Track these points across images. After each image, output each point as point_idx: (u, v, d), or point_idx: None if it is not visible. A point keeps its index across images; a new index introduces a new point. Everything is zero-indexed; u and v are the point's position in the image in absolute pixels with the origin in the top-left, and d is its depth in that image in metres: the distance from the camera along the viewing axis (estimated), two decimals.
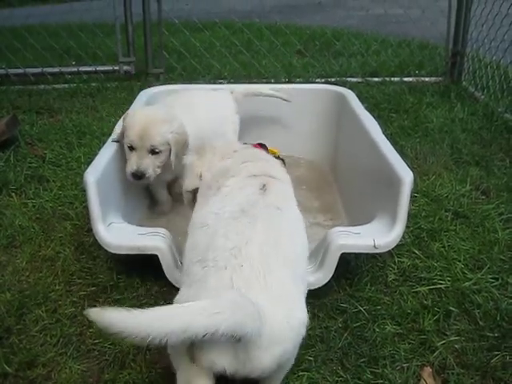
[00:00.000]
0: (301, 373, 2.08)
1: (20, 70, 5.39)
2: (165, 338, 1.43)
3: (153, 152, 2.80)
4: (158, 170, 2.85)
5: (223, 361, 1.62)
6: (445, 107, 4.70)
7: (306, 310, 1.80)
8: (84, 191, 3.16)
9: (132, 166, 2.77)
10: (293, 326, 1.71)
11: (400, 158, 2.60)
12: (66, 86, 5.27)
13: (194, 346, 1.62)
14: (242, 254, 1.72)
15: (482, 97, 4.85)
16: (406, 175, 2.41)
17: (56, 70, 5.43)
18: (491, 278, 2.59)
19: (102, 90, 5.18)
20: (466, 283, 2.54)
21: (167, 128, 2.82)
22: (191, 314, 1.49)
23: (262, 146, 3.46)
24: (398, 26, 6.45)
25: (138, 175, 2.78)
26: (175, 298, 1.77)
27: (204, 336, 1.45)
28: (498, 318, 2.35)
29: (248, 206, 1.90)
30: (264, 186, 2.02)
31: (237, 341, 1.56)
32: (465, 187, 3.37)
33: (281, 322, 1.67)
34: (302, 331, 1.75)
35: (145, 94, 3.54)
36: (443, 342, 2.24)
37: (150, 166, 2.80)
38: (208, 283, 1.69)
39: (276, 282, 1.71)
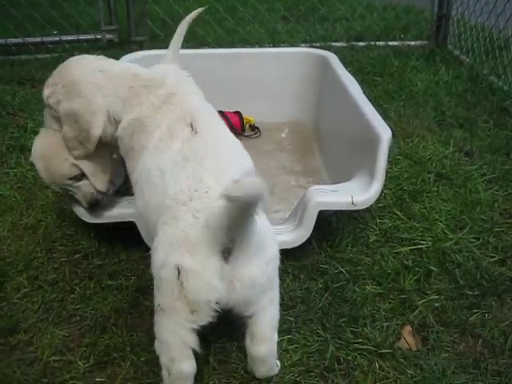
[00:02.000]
0: (281, 335, 2.08)
1: (1, 41, 5.29)
2: None
3: None
4: None
5: (217, 281, 1.63)
6: (429, 71, 4.67)
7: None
8: None
9: None
10: (269, 230, 1.80)
11: (379, 116, 2.59)
12: (49, 55, 5.18)
13: (184, 282, 1.63)
14: (200, 186, 1.73)
15: (467, 60, 4.83)
16: (384, 133, 2.40)
17: (38, 39, 5.33)
18: (472, 238, 2.61)
19: None
20: (447, 243, 2.56)
21: None
22: None
23: (237, 113, 3.46)
24: None
25: None
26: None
27: None
28: (478, 277, 2.36)
29: (188, 152, 1.88)
30: (191, 125, 1.97)
31: (224, 258, 1.62)
32: (448, 149, 3.37)
33: (262, 227, 1.72)
34: (276, 241, 1.82)
35: (127, 60, 3.48)
36: (423, 301, 2.26)
37: None
38: (179, 216, 1.71)
39: None
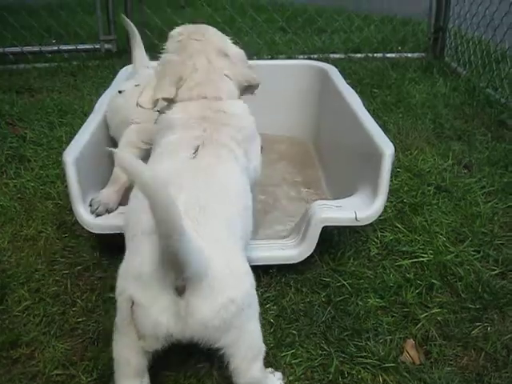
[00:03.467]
0: (284, 349, 2.10)
1: None
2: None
3: None
4: None
5: (165, 318, 1.61)
6: (427, 83, 4.70)
7: (247, 262, 1.80)
8: None
9: None
10: (235, 273, 1.70)
11: (381, 131, 2.59)
12: (47, 64, 5.20)
13: (134, 313, 1.63)
14: None
15: (464, 72, 4.86)
16: (387, 148, 2.41)
17: (36, 48, 5.34)
18: (473, 251, 2.62)
19: (83, 68, 5.12)
20: (448, 256, 2.56)
21: None
22: None
23: None
24: (380, 2, 6.40)
25: None
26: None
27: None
28: (480, 290, 2.37)
29: (176, 175, 1.85)
30: (197, 148, 1.96)
31: (179, 293, 1.58)
32: (447, 161, 3.39)
33: (221, 266, 1.66)
34: (248, 281, 1.74)
35: (126, 72, 3.48)
36: (426, 314, 2.27)
37: None
38: (140, 248, 1.68)
39: (209, 233, 1.69)
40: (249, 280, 1.75)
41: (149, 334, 1.65)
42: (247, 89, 2.37)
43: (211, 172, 1.92)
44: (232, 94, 2.27)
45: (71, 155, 2.39)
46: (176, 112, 2.17)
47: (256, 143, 2.30)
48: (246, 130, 2.20)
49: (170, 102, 2.23)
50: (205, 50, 2.31)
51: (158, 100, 2.21)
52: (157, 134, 2.18)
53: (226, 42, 2.44)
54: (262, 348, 1.83)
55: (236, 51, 2.41)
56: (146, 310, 1.63)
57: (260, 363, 1.81)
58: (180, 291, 1.60)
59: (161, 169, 1.91)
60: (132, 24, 3.26)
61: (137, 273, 1.65)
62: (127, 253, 1.76)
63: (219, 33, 2.50)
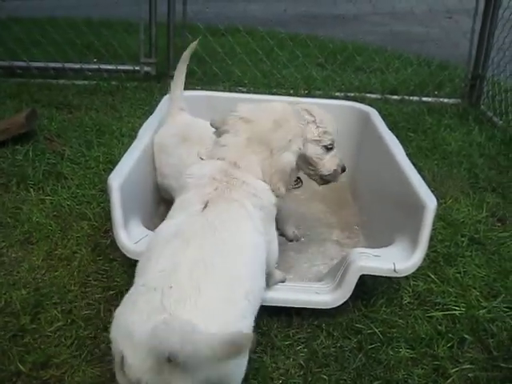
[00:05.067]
0: None
1: (41, 64, 5.39)
2: None
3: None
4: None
5: (148, 378, 1.59)
6: (463, 130, 4.70)
7: (248, 329, 1.76)
8: (102, 191, 3.23)
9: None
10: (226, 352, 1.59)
11: (424, 183, 2.59)
12: (86, 82, 5.28)
13: (123, 369, 1.62)
14: (170, 277, 1.69)
15: (500, 122, 4.85)
16: (431, 202, 2.41)
17: (77, 65, 5.43)
18: (505, 308, 2.59)
19: (121, 89, 5.19)
20: (481, 311, 2.54)
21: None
22: None
23: None
24: (419, 44, 6.44)
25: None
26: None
27: None
28: None
29: (183, 228, 1.86)
30: (207, 203, 1.97)
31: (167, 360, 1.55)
32: (481, 213, 3.37)
33: (207, 339, 1.58)
34: (236, 367, 1.70)
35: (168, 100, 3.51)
36: (456, 369, 2.24)
37: None
38: (138, 304, 1.67)
39: (208, 304, 1.67)
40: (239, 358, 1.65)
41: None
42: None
43: (219, 226, 1.90)
44: (254, 171, 2.18)
45: (117, 180, 2.42)
46: (191, 171, 2.19)
47: (274, 224, 2.27)
48: (261, 200, 2.13)
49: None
50: (256, 129, 2.24)
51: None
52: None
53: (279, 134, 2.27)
54: None
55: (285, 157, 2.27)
56: (134, 370, 1.61)
57: None
58: (169, 360, 1.56)
59: (171, 223, 1.94)
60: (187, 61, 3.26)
61: (129, 331, 1.63)
62: (126, 296, 1.76)
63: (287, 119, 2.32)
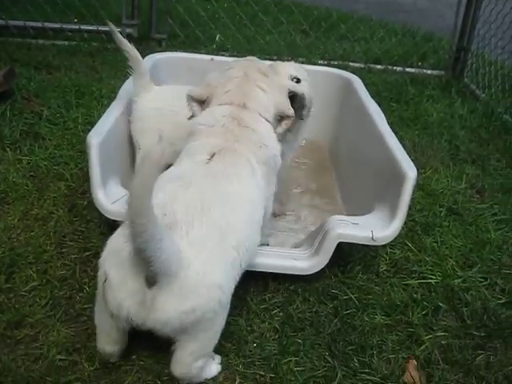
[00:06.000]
0: (288, 356, 2.10)
1: (20, 23, 5.24)
2: None
3: None
4: None
5: (128, 303, 1.67)
6: (445, 102, 4.69)
7: (228, 277, 1.82)
8: (80, 152, 3.19)
9: None
10: (206, 282, 1.71)
11: (405, 152, 2.58)
12: (66, 43, 5.15)
13: (104, 290, 1.70)
14: (166, 208, 1.74)
15: (483, 95, 4.84)
16: (411, 171, 2.39)
17: (57, 25, 5.27)
18: (480, 278, 2.62)
19: (102, 50, 5.07)
20: (456, 280, 2.57)
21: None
22: None
23: None
24: (405, 15, 6.39)
25: None
26: None
27: None
28: (485, 318, 2.37)
29: (186, 174, 1.90)
30: (213, 155, 1.98)
31: (148, 284, 1.63)
32: (460, 184, 3.39)
33: (196, 272, 1.68)
34: (215, 294, 1.74)
35: (150, 60, 3.45)
36: (430, 336, 2.27)
37: None
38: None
39: (197, 238, 1.71)
40: (217, 295, 1.75)
41: (114, 314, 1.72)
42: (280, 121, 2.30)
43: (223, 177, 1.93)
44: (263, 109, 2.23)
45: (96, 138, 2.37)
46: (201, 118, 2.20)
47: (275, 178, 2.29)
48: (267, 150, 2.16)
49: (201, 106, 2.25)
50: (246, 66, 2.33)
51: (190, 98, 2.23)
52: (186, 140, 2.19)
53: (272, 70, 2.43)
54: (210, 353, 1.92)
55: (279, 79, 2.40)
56: (115, 290, 1.68)
57: (202, 362, 1.88)
58: (150, 283, 1.64)
59: (176, 169, 1.95)
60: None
61: (117, 249, 1.69)
62: (120, 228, 1.79)
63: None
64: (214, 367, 1.99)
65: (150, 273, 1.61)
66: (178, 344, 1.80)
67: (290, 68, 2.64)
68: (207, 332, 1.81)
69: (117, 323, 1.77)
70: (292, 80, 2.57)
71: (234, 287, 1.88)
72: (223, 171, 1.95)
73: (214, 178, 1.91)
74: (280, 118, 2.29)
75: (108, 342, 1.90)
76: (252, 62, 2.42)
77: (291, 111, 2.30)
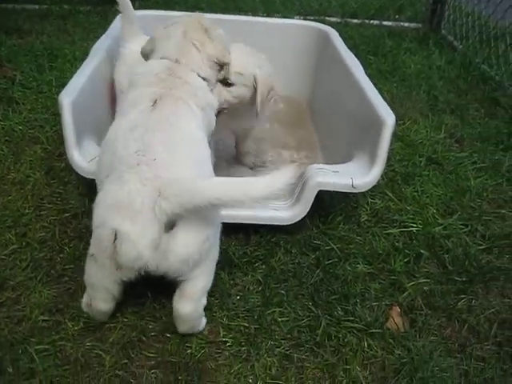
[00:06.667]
0: (272, 307, 2.11)
1: None
2: None
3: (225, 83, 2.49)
4: (225, 105, 2.50)
5: (148, 251, 1.70)
6: (423, 54, 4.66)
7: None
8: (55, 115, 3.13)
9: None
10: (213, 210, 1.82)
11: (383, 100, 2.56)
12: (37, 6, 5.04)
13: (117, 246, 1.70)
14: (149, 153, 1.78)
15: (461, 46, 4.82)
16: (389, 117, 2.37)
17: None
18: (461, 225, 2.64)
19: (74, 13, 4.98)
20: (437, 228, 2.58)
21: (252, 60, 2.57)
22: None
23: None
24: None
25: None
26: None
27: None
28: (466, 264, 2.39)
29: (141, 122, 1.91)
30: (155, 101, 1.99)
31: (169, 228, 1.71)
32: (439, 134, 3.39)
33: (205, 199, 1.72)
34: (217, 221, 1.92)
35: (121, 19, 3.36)
36: (412, 283, 2.29)
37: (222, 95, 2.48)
38: (125, 178, 1.74)
39: (182, 166, 1.82)
40: (217, 220, 1.91)
41: (130, 267, 1.74)
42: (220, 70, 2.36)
43: (174, 122, 1.96)
44: (195, 65, 2.24)
45: (68, 97, 2.32)
46: (139, 68, 2.24)
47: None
48: (201, 100, 2.17)
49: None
50: (186, 22, 2.34)
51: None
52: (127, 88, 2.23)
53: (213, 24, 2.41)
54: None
55: (219, 31, 2.39)
56: (132, 244, 1.69)
57: (205, 300, 1.97)
58: (168, 226, 1.70)
59: (125, 119, 1.97)
60: None
61: (125, 202, 1.70)
62: (107, 185, 1.80)
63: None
64: (203, 318, 2.03)
65: (176, 217, 1.69)
66: (187, 282, 1.86)
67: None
68: (212, 262, 1.93)
69: (121, 276, 1.80)
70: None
71: None
72: (171, 115, 1.98)
73: (167, 122, 1.94)
74: (220, 67, 2.34)
75: (106, 300, 1.91)
76: (194, 18, 2.40)
77: (228, 59, 2.36)
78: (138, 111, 1.96)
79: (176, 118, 1.96)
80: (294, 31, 3.54)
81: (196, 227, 1.76)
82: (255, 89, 2.53)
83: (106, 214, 1.74)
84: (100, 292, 1.89)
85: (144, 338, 1.95)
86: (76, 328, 1.96)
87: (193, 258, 1.78)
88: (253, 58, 2.57)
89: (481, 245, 2.53)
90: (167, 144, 1.83)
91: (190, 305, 1.89)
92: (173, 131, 1.91)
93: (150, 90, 2.05)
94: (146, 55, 2.35)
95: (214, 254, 1.94)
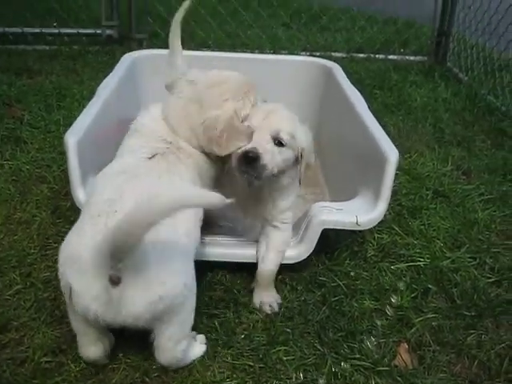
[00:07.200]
0: (277, 346, 2.08)
1: None
2: None
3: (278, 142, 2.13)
4: (275, 169, 2.11)
5: (95, 305, 1.69)
6: (428, 86, 4.69)
7: (186, 261, 1.86)
8: (62, 154, 3.15)
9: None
10: (171, 271, 1.76)
11: (386, 136, 2.55)
12: (47, 47, 5.14)
13: (71, 297, 1.72)
14: (116, 203, 1.76)
15: (466, 78, 4.85)
16: (392, 154, 2.37)
17: (37, 30, 5.26)
18: (469, 258, 2.62)
19: (83, 53, 5.07)
20: (445, 262, 2.56)
21: (299, 124, 2.25)
22: None
23: None
24: (385, 3, 6.37)
25: (252, 156, 2.05)
26: None
27: None
28: (475, 297, 2.36)
29: (130, 168, 1.93)
30: (154, 155, 2.01)
31: (113, 283, 1.65)
32: (446, 167, 3.38)
33: (156, 262, 1.72)
34: (179, 279, 1.79)
35: (129, 58, 3.43)
36: (420, 319, 2.25)
37: (270, 153, 2.09)
38: (83, 230, 1.76)
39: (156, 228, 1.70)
40: (182, 280, 1.80)
41: (86, 317, 1.74)
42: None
43: (164, 174, 1.97)
44: (189, 139, 2.16)
45: (73, 137, 2.33)
46: (142, 118, 2.26)
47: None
48: (198, 162, 2.16)
49: None
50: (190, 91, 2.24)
51: None
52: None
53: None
54: (189, 333, 1.95)
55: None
56: (79, 296, 1.71)
57: (184, 344, 1.90)
58: (114, 281, 1.66)
59: (118, 163, 2.02)
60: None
61: (75, 256, 1.71)
62: (70, 232, 1.83)
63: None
64: (197, 348, 2.02)
65: (116, 271, 1.64)
66: (156, 332, 1.83)
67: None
68: (180, 315, 1.84)
69: (91, 324, 1.79)
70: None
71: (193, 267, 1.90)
72: (165, 168, 1.99)
73: (157, 173, 1.95)
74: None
75: (90, 344, 1.89)
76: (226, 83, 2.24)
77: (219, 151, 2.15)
78: (134, 157, 1.99)
79: (168, 174, 1.97)
80: (298, 67, 3.57)
81: (143, 286, 1.69)
82: (298, 156, 2.21)
83: (64, 267, 1.76)
84: (83, 338, 1.90)
85: (147, 379, 1.93)
86: (78, 369, 1.95)
87: (143, 316, 1.73)
88: (295, 121, 2.26)
89: (490, 278, 2.50)
90: (142, 196, 1.70)
91: (164, 355, 1.88)
92: (157, 183, 1.91)
93: (154, 144, 2.08)
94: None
95: (181, 309, 1.83)
